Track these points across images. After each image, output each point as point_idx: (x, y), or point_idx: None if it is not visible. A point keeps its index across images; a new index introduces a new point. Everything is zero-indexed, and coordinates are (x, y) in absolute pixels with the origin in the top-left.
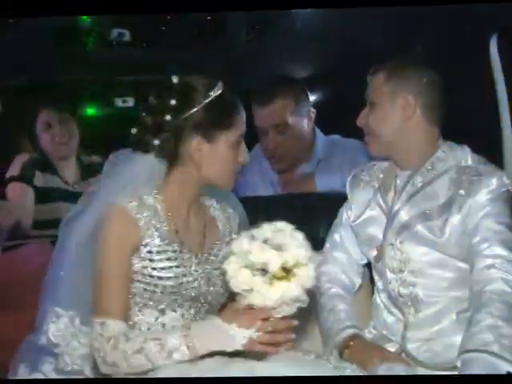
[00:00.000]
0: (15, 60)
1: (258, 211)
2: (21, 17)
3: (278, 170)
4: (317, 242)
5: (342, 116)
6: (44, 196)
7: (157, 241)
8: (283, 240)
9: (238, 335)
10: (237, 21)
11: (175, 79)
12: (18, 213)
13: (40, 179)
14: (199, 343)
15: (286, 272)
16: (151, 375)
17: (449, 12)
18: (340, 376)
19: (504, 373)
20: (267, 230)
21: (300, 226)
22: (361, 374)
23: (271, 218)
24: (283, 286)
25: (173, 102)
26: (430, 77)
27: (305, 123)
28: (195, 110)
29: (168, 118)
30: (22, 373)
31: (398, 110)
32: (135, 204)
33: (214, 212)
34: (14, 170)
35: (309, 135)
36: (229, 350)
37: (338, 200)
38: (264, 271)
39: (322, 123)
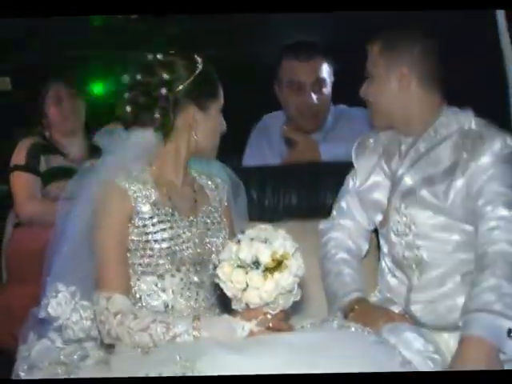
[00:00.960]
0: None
1: (265, 180)
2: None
3: (309, 128)
4: (324, 210)
5: (351, 87)
6: (49, 177)
7: (147, 207)
8: (268, 235)
9: (241, 327)
10: None
11: (160, 55)
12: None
13: (43, 164)
14: (206, 333)
15: (277, 264)
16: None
17: None
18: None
19: (506, 330)
20: (251, 231)
21: (306, 194)
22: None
23: (278, 185)
24: (276, 277)
25: (166, 76)
26: (422, 46)
27: (331, 85)
28: (188, 81)
29: (164, 92)
30: (31, 340)
31: (393, 81)
32: (123, 176)
33: (202, 181)
34: (19, 157)
35: (329, 103)
36: (232, 340)
37: (344, 169)
38: (256, 264)
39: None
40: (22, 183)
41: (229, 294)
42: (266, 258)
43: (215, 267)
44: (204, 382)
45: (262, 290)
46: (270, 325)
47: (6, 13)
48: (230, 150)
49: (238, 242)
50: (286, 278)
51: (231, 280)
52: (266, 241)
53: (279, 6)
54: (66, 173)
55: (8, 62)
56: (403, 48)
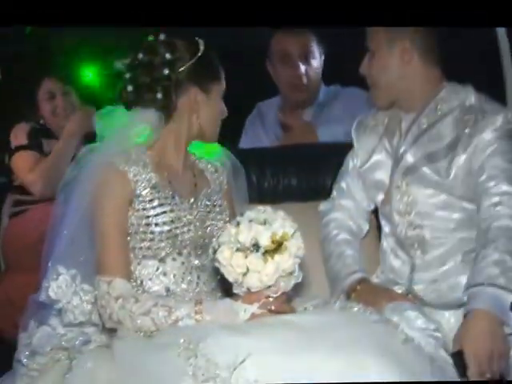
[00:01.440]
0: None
1: (264, 163)
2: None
3: (300, 100)
4: (324, 191)
5: (345, 66)
6: None
7: (147, 190)
8: (267, 217)
9: (242, 310)
10: None
11: (162, 36)
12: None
13: (45, 147)
14: (208, 317)
15: (278, 245)
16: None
17: None
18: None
19: (509, 303)
20: (249, 213)
21: (306, 175)
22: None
23: (278, 167)
24: (276, 260)
25: (168, 56)
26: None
27: (321, 62)
28: (191, 62)
29: (166, 72)
30: (32, 327)
31: (396, 56)
32: (123, 159)
33: (202, 165)
34: (19, 139)
35: (319, 75)
36: (234, 323)
37: (343, 149)
38: (256, 247)
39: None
40: (30, 160)
41: (229, 278)
42: (265, 241)
43: (215, 251)
44: None
45: (262, 274)
46: (272, 307)
47: None
48: (227, 135)
49: (237, 224)
50: (286, 260)
51: (231, 264)
52: (264, 222)
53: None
54: None
55: None
56: None
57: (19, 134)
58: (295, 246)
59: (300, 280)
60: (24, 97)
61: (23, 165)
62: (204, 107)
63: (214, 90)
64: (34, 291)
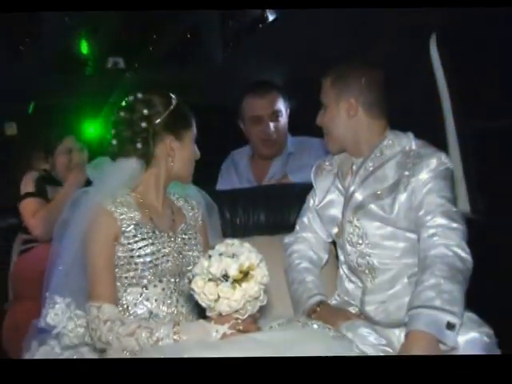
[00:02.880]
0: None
1: (237, 202)
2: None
3: (270, 154)
4: (288, 226)
5: (309, 119)
6: None
7: (132, 227)
8: (235, 250)
9: (215, 331)
10: (214, 40)
11: (140, 94)
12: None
13: (49, 192)
14: (185, 336)
15: (244, 275)
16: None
17: (396, 15)
18: None
19: (445, 323)
20: (220, 247)
21: (273, 213)
22: None
23: (248, 205)
24: (244, 287)
25: (145, 111)
26: (368, 78)
27: (287, 116)
28: (165, 115)
29: (144, 125)
30: (34, 347)
31: (342, 110)
32: (111, 201)
33: (179, 203)
34: (28, 186)
35: (286, 129)
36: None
37: (306, 190)
38: (225, 277)
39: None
40: (34, 207)
41: (203, 304)
42: (233, 271)
43: (190, 281)
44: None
45: (231, 300)
46: (241, 328)
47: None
48: (205, 178)
49: (209, 257)
50: (252, 287)
51: (204, 292)
52: (233, 256)
53: None
54: None
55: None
56: (351, 81)
57: (28, 182)
58: (260, 274)
59: (265, 303)
60: (34, 149)
61: (28, 210)
62: (178, 152)
63: (186, 136)
64: (37, 317)
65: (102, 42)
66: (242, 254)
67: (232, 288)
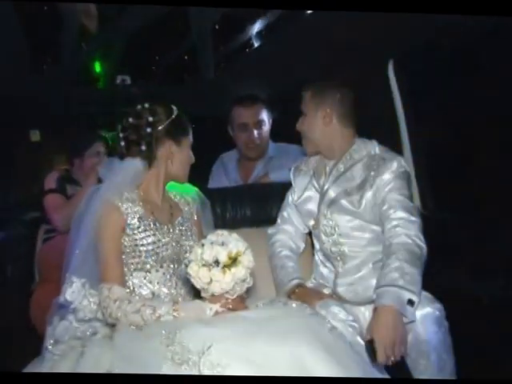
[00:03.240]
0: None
1: (226, 199)
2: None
3: (253, 156)
4: (271, 219)
5: (288, 128)
6: None
7: (135, 220)
8: (224, 239)
9: (208, 309)
10: (207, 61)
11: (146, 104)
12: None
13: (69, 190)
14: (183, 313)
15: (233, 261)
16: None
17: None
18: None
19: (406, 299)
20: (211, 236)
21: (258, 207)
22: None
23: (236, 201)
24: (233, 271)
25: (150, 118)
26: (342, 94)
27: (269, 124)
28: (167, 122)
29: (149, 130)
30: (56, 322)
31: (319, 119)
32: (118, 197)
33: (176, 199)
34: (50, 184)
35: (268, 136)
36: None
37: (285, 188)
38: (217, 263)
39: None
40: (56, 202)
41: (197, 286)
42: (223, 258)
43: (186, 266)
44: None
45: (222, 282)
46: (230, 306)
47: None
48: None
49: (202, 245)
50: (240, 271)
51: (199, 276)
52: (222, 244)
53: None
54: None
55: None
56: (327, 95)
57: (50, 180)
58: (247, 259)
59: (251, 284)
60: (56, 152)
61: (51, 205)
62: (177, 155)
63: (184, 142)
64: (58, 295)
65: (112, 62)
66: (230, 242)
67: (222, 272)
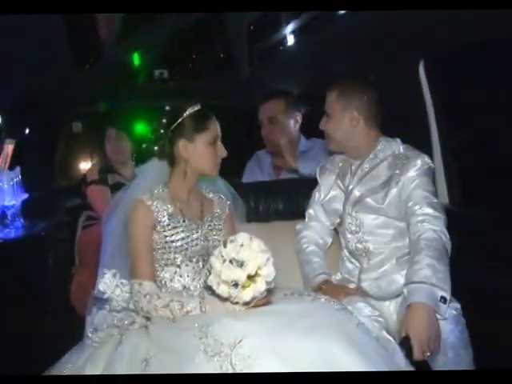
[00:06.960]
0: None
1: (259, 192)
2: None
3: (273, 150)
4: (302, 213)
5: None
6: (112, 190)
7: (166, 218)
8: (244, 256)
9: (231, 308)
10: (243, 56)
11: (167, 107)
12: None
13: (110, 180)
14: (209, 308)
15: (253, 276)
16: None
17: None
18: None
19: (439, 297)
20: (232, 249)
21: (289, 201)
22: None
23: (269, 196)
24: (253, 288)
25: (164, 120)
26: (369, 95)
27: (291, 122)
28: (178, 121)
29: (162, 131)
30: (94, 312)
31: (346, 121)
32: (148, 196)
33: (208, 196)
34: (93, 175)
35: (294, 133)
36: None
37: (313, 184)
38: (236, 285)
39: (309, 128)
40: (100, 192)
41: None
42: (242, 280)
43: (210, 272)
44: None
45: (241, 298)
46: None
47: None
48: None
49: (222, 258)
50: (260, 286)
51: (218, 292)
52: (242, 264)
53: None
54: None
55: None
56: (354, 97)
57: (93, 171)
58: (267, 271)
59: (272, 286)
60: (94, 144)
61: (95, 194)
62: (192, 152)
63: (198, 138)
64: (96, 280)
65: (150, 57)
66: (250, 261)
67: (242, 289)
